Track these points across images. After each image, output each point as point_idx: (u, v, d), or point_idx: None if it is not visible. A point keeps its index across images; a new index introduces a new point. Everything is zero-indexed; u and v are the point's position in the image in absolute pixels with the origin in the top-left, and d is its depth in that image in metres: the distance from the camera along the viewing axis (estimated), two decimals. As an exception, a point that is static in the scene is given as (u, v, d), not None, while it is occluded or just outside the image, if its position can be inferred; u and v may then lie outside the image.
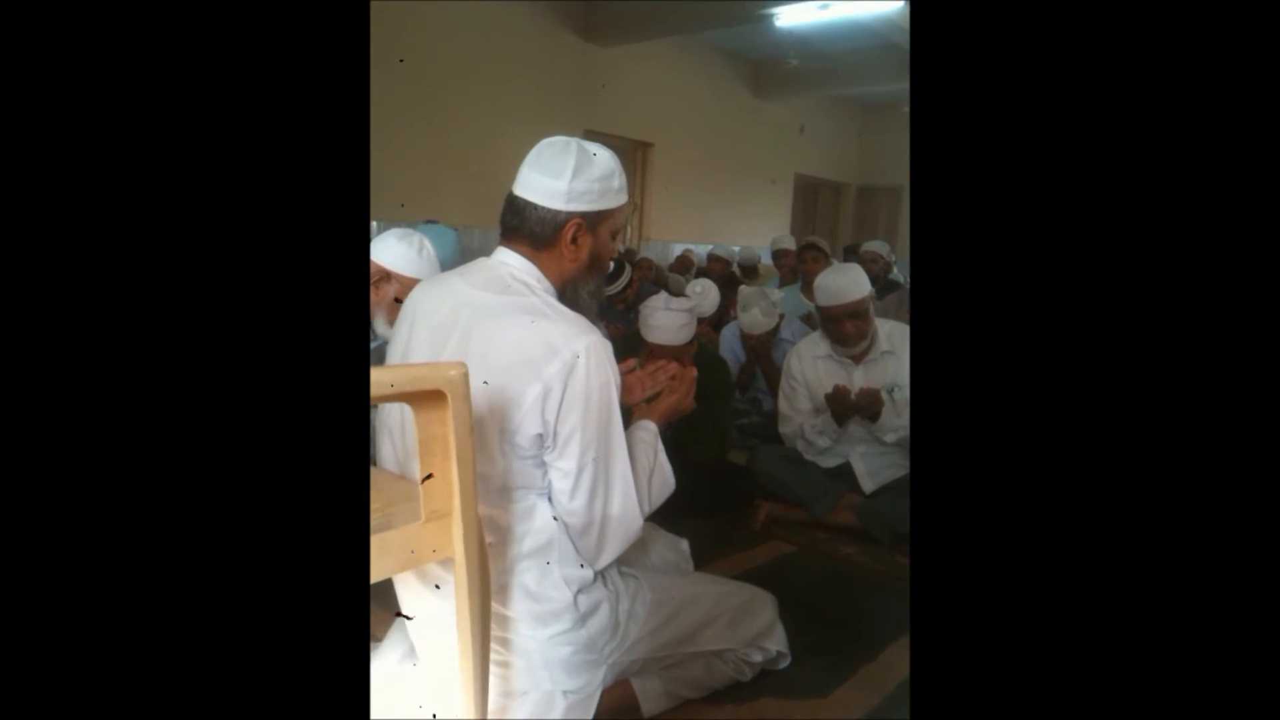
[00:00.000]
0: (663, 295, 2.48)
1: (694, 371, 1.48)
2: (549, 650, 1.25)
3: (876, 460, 2.48)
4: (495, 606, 1.20)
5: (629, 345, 2.46)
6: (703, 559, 2.10)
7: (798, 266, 4.28)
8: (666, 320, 2.38)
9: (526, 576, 1.23)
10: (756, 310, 3.16)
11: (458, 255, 3.59)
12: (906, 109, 9.84)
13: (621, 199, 1.27)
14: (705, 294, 3.54)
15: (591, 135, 6.68)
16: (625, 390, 1.29)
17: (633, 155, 7.78)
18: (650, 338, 2.39)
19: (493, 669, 1.20)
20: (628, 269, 3.93)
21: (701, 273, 5.53)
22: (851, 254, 5.42)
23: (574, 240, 1.24)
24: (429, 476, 0.98)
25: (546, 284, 1.25)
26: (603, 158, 1.25)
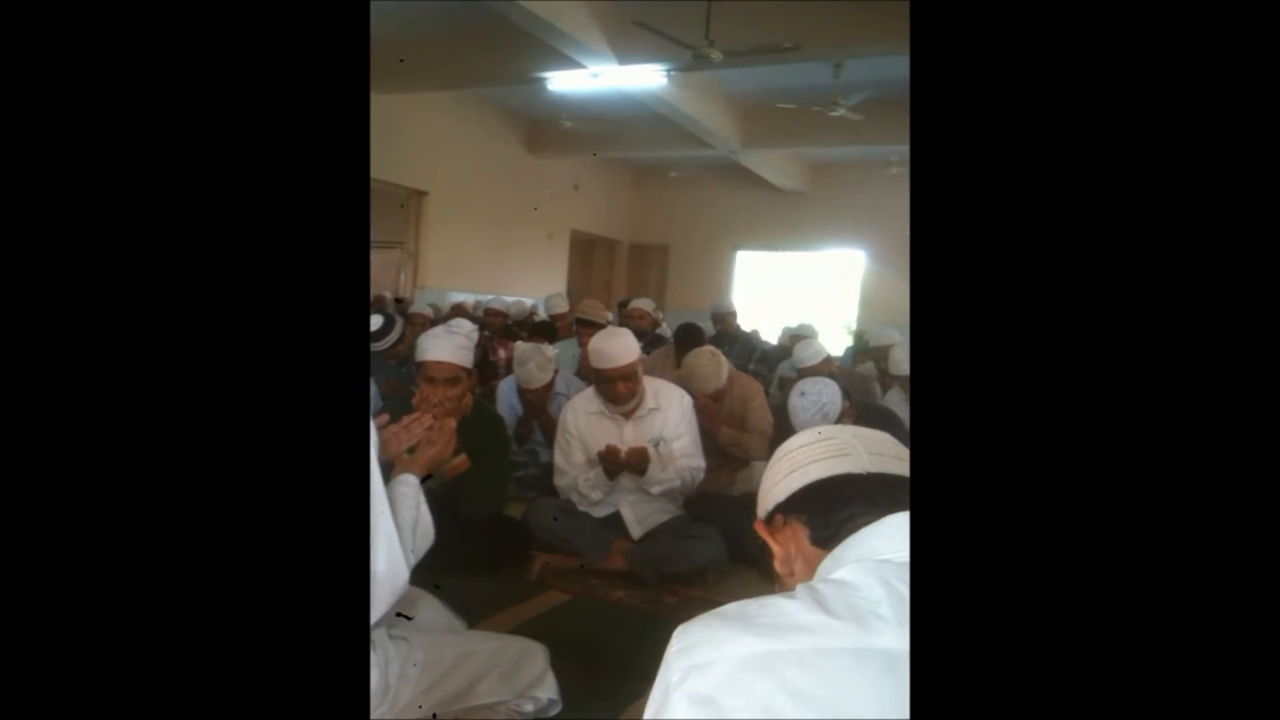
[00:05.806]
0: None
1: (452, 423, 1.50)
2: None
3: (644, 507, 2.65)
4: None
5: (404, 403, 2.38)
6: (480, 614, 2.11)
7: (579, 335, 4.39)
8: (446, 340, 2.29)
9: (292, 649, 1.20)
10: (532, 365, 3.26)
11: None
12: (674, 174, 10.60)
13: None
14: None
15: (364, 183, 6.51)
16: (382, 445, 1.30)
17: (407, 202, 7.68)
18: (427, 356, 2.28)
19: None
20: (399, 323, 3.84)
21: (478, 323, 5.53)
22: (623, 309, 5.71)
23: None
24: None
25: None
26: None
